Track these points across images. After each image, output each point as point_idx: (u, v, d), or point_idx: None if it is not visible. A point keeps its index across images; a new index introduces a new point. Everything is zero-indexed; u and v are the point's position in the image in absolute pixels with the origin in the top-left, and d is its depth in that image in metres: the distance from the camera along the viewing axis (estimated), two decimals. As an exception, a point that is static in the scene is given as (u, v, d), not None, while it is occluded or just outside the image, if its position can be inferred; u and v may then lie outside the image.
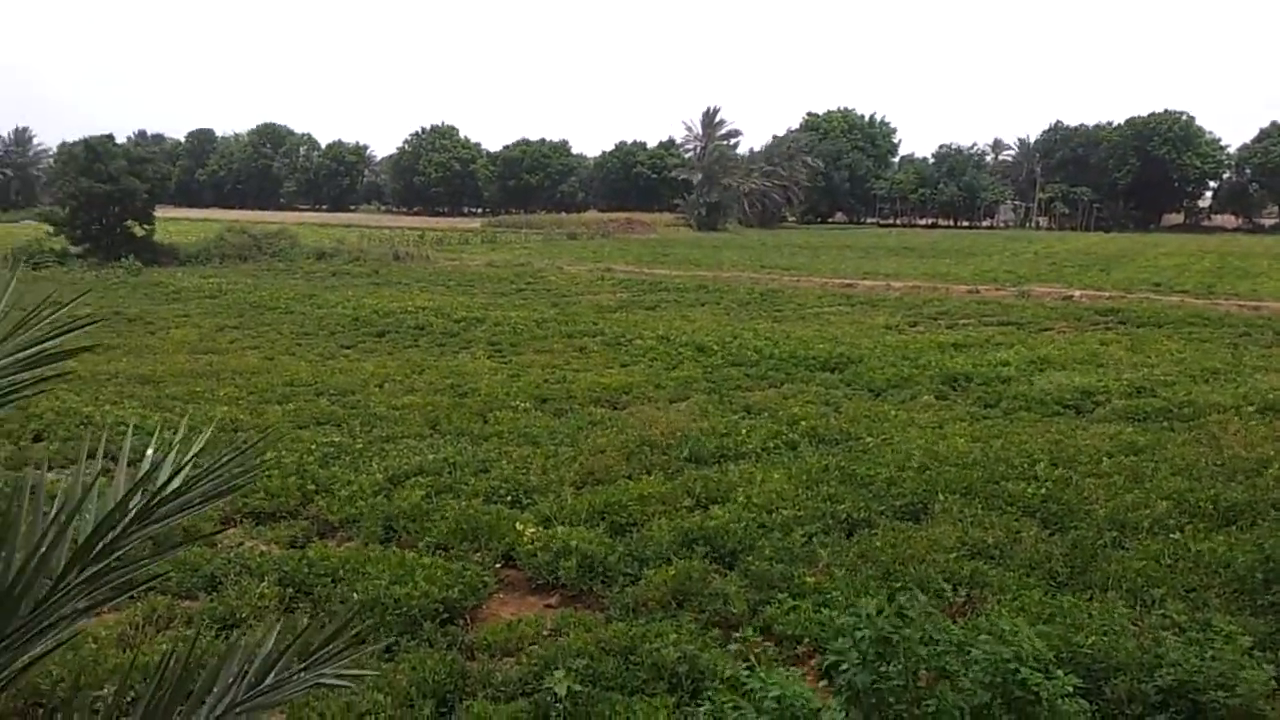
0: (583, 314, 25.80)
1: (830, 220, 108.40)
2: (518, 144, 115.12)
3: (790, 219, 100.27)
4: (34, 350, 1.96)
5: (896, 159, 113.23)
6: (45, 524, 1.93)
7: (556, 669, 6.29)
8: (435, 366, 18.07)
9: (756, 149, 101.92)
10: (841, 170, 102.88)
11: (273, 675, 2.12)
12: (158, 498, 1.96)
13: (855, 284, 34.94)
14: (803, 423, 13.06)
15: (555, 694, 5.95)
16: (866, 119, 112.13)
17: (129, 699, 2.09)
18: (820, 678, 5.76)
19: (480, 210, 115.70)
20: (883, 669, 4.59)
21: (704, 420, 13.42)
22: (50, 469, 10.62)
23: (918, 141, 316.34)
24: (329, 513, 9.78)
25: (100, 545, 1.90)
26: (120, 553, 1.93)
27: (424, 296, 29.85)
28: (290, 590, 7.81)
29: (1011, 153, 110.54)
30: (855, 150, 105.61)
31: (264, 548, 9.01)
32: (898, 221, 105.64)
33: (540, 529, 8.98)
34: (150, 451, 2.13)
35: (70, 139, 45.87)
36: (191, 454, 2.08)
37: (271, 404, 14.59)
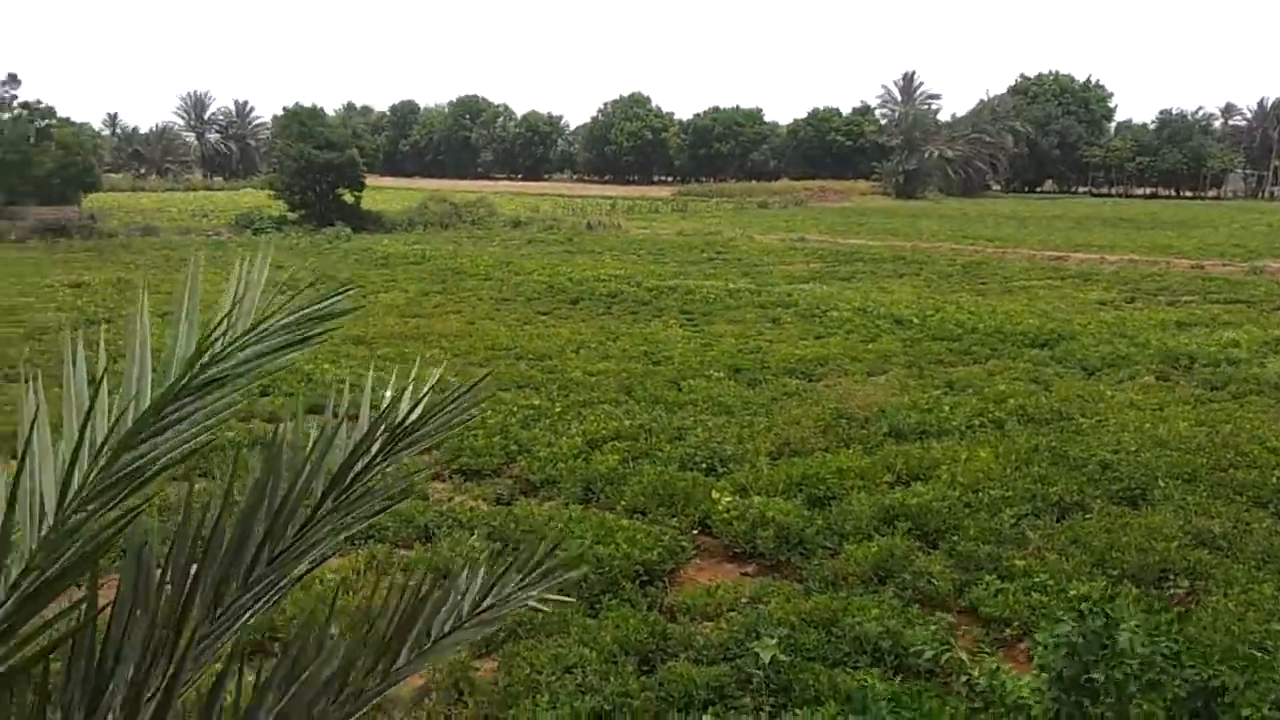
0: (775, 284, 25.54)
1: (1038, 189, 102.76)
2: (709, 112, 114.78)
3: (995, 187, 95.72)
4: (306, 312, 2.08)
5: (1112, 125, 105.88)
6: (303, 456, 2.02)
7: (759, 636, 6.27)
8: (628, 334, 18.32)
9: (959, 114, 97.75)
10: (1050, 136, 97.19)
11: (490, 597, 2.27)
12: (401, 428, 2.09)
13: (1066, 257, 33.05)
14: (1010, 400, 12.47)
15: (759, 660, 5.93)
16: (1079, 83, 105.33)
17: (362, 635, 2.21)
18: (1028, 660, 5.55)
19: (670, 179, 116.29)
20: (1093, 666, 4.34)
21: (904, 395, 13.03)
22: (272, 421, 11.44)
23: (1135, 107, 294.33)
24: (530, 472, 10.11)
25: (351, 474, 2.00)
26: (367, 481, 2.04)
27: (616, 264, 30.31)
28: (498, 544, 8.11)
29: (1244, 117, 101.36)
30: (1067, 115, 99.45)
31: (472, 503, 9.41)
32: (1113, 191, 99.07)
33: (736, 498, 8.97)
34: (388, 392, 2.23)
35: (282, 111, 48.63)
36: (426, 389, 2.21)
37: (474, 367, 15.17)
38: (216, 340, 1.97)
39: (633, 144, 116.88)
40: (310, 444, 2.08)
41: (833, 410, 11.99)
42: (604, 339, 17.76)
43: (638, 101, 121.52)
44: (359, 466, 2.06)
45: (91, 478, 1.83)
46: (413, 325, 19.28)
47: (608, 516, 8.74)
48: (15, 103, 43.73)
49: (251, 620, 2.00)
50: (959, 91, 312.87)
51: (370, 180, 48.14)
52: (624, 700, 5.82)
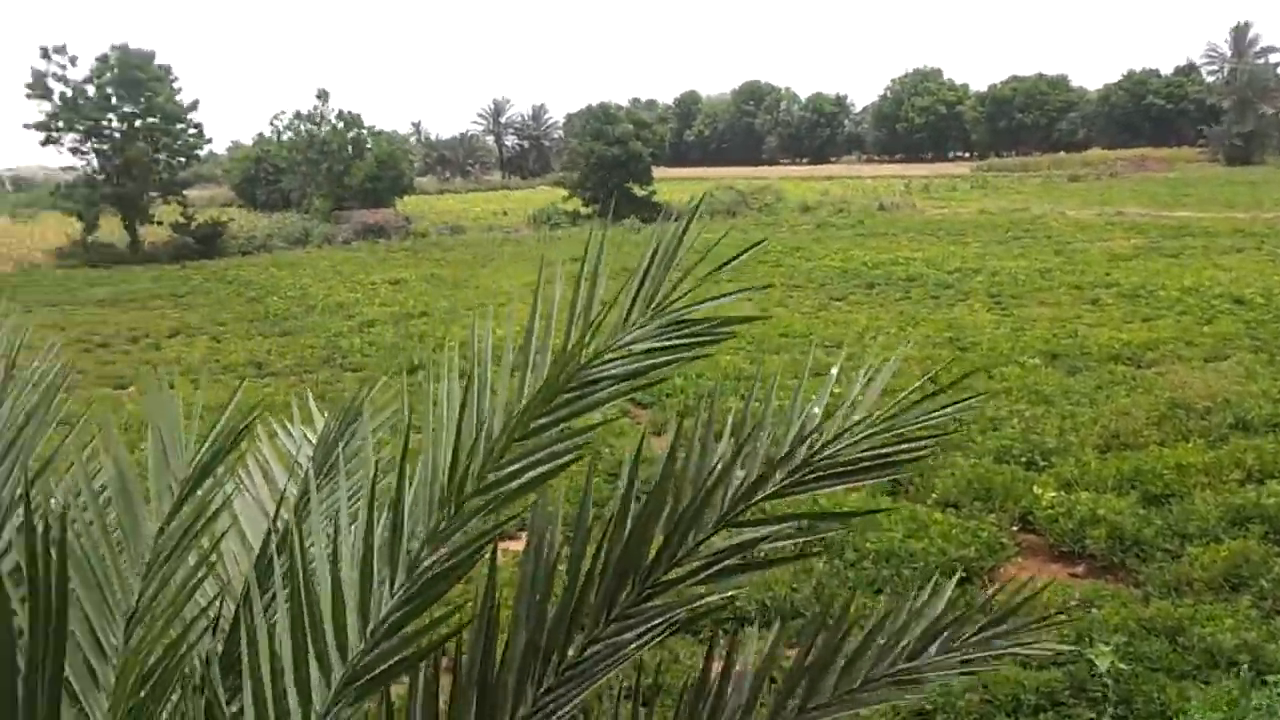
0: (1092, 262, 23.73)
1: None
2: (1008, 81, 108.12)
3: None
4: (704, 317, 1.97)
5: None
6: (723, 443, 2.00)
7: (1094, 643, 5.93)
8: (930, 319, 17.73)
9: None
10: None
11: (936, 644, 2.03)
12: (847, 429, 1.97)
13: None
14: (1388, 390, 10.91)
15: (1095, 668, 5.61)
16: None
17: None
18: None
19: (967, 154, 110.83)
20: None
21: (1251, 383, 11.73)
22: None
23: None
24: (836, 461, 10.04)
25: (788, 470, 1.95)
26: (796, 480, 1.99)
27: (912, 247, 29.36)
28: (804, 532, 8.14)
29: None
30: None
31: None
32: None
33: (1060, 493, 8.48)
34: (834, 369, 2.13)
35: (573, 112, 50.99)
36: (877, 387, 2.04)
37: (769, 354, 15.27)
38: (604, 333, 1.92)
39: (925, 120, 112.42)
40: (729, 425, 2.04)
41: (1167, 400, 11.01)
42: (904, 324, 17.30)
43: (929, 75, 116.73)
44: (795, 461, 2.01)
45: (478, 470, 1.84)
46: (703, 313, 19.63)
47: (919, 509, 8.53)
48: (333, 115, 48.50)
49: (636, 642, 1.91)
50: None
51: (656, 173, 49.39)
52: (947, 700, 5.69)
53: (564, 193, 48.95)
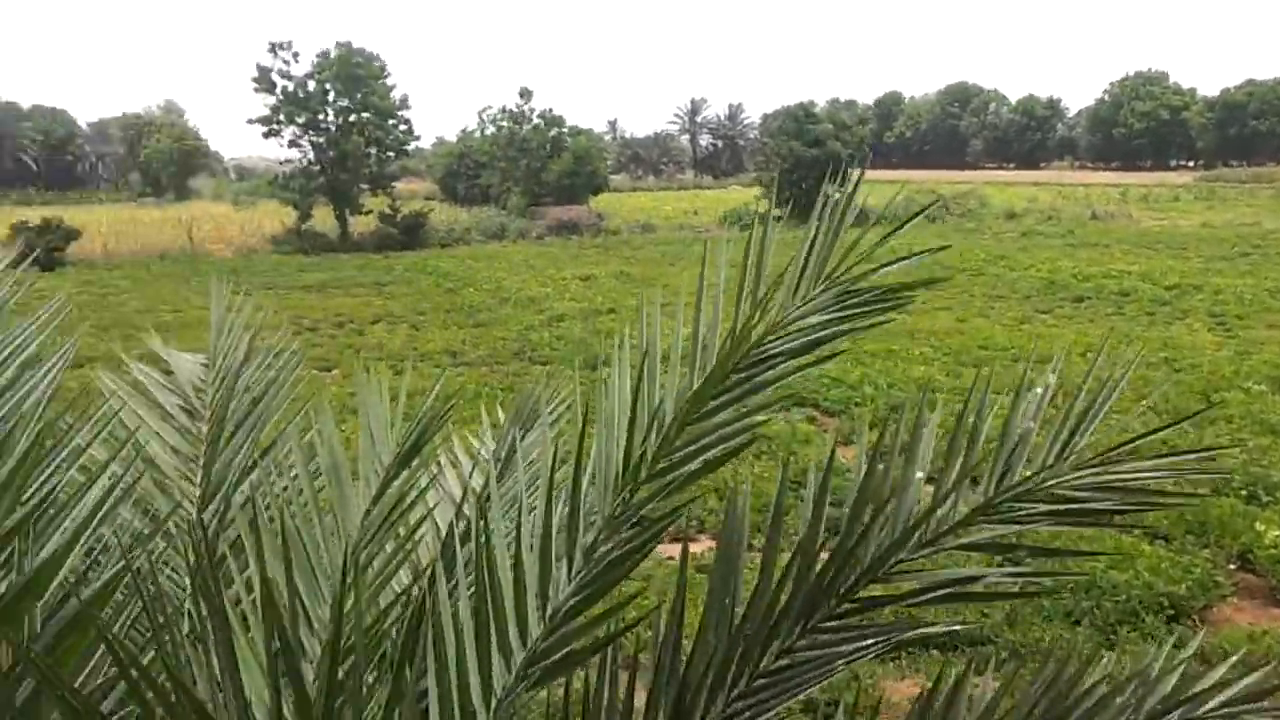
0: (1334, 283, 21.62)
1: None
2: (1243, 86, 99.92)
3: None
4: (879, 278, 1.88)
5: None
6: (924, 459, 1.94)
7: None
8: (1144, 337, 16.58)
9: None
10: None
11: (1177, 714, 1.84)
12: (1068, 460, 1.83)
13: None
14: None
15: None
16: None
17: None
18: None
19: (1191, 163, 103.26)
20: None
21: None
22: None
23: None
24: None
25: (1000, 499, 1.85)
26: (1007, 517, 1.88)
27: (1127, 259, 27.57)
28: (999, 559, 7.74)
29: None
30: None
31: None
32: None
33: (1288, 533, 7.74)
34: (1040, 389, 1.96)
35: (769, 112, 50.35)
36: (1098, 414, 1.90)
37: (967, 366, 14.67)
38: (773, 309, 1.87)
39: (1145, 125, 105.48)
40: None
41: None
42: (1116, 341, 16.24)
43: (1152, 79, 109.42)
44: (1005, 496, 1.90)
45: (651, 455, 1.83)
46: (898, 320, 19.09)
47: (1124, 539, 7.98)
48: (534, 114, 49.92)
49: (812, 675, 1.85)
50: None
51: (855, 174, 48.18)
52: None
53: (757, 192, 48.57)
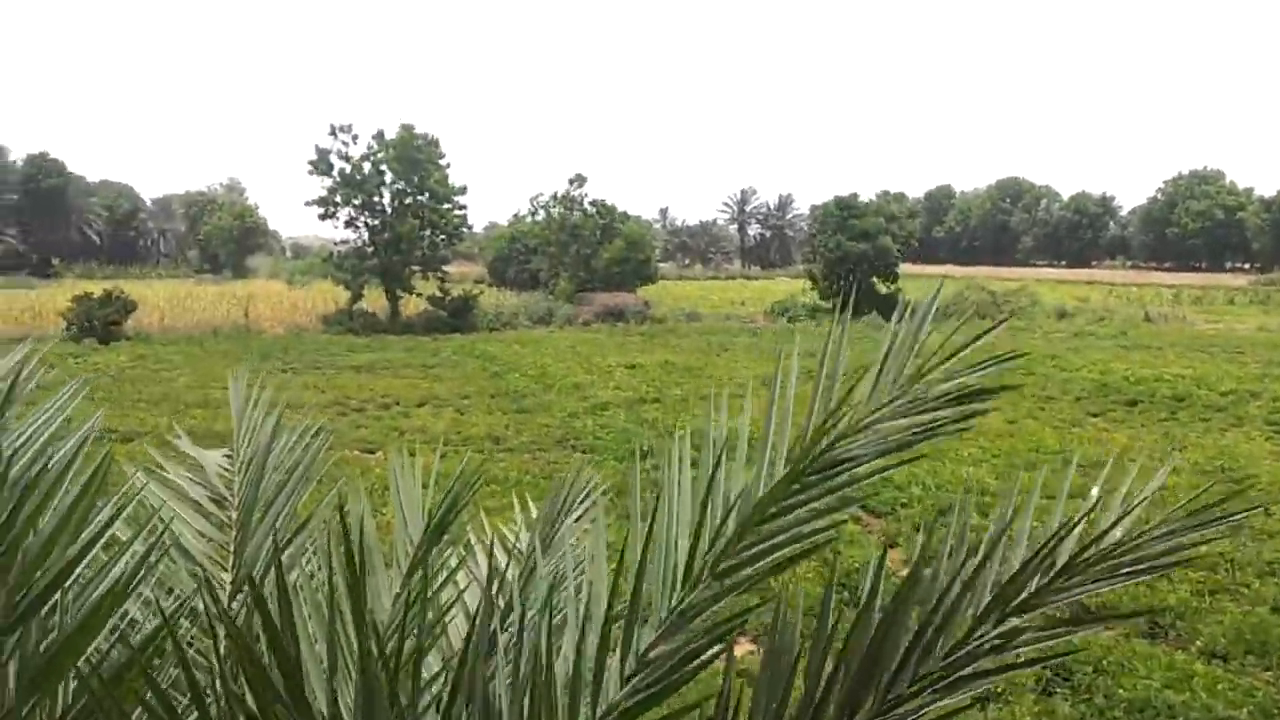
0: (1398, 394, 21.00)
1: None
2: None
3: None
4: (958, 384, 1.87)
5: None
6: (959, 555, 1.84)
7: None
8: (1198, 444, 16.17)
9: None
10: None
11: None
12: (1100, 545, 1.76)
13: None
14: None
15: None
16: None
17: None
18: None
19: (1246, 265, 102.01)
20: None
21: None
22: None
23: None
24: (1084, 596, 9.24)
25: (1026, 591, 1.76)
26: (1039, 608, 1.80)
27: (1181, 363, 27.07)
28: (1049, 673, 7.46)
29: None
30: None
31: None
32: None
33: (1356, 656, 7.39)
34: (1095, 490, 1.91)
35: (818, 203, 50.25)
36: (1141, 498, 1.82)
37: (1018, 469, 14.38)
38: (847, 412, 1.85)
39: (1200, 225, 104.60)
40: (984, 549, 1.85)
41: None
42: (1167, 448, 15.86)
43: (1207, 179, 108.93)
44: (1034, 584, 1.82)
45: (716, 554, 1.82)
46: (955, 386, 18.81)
47: (1179, 657, 7.67)
48: (585, 199, 50.44)
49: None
50: None
51: (902, 269, 48.06)
52: None
53: (804, 284, 48.32)
